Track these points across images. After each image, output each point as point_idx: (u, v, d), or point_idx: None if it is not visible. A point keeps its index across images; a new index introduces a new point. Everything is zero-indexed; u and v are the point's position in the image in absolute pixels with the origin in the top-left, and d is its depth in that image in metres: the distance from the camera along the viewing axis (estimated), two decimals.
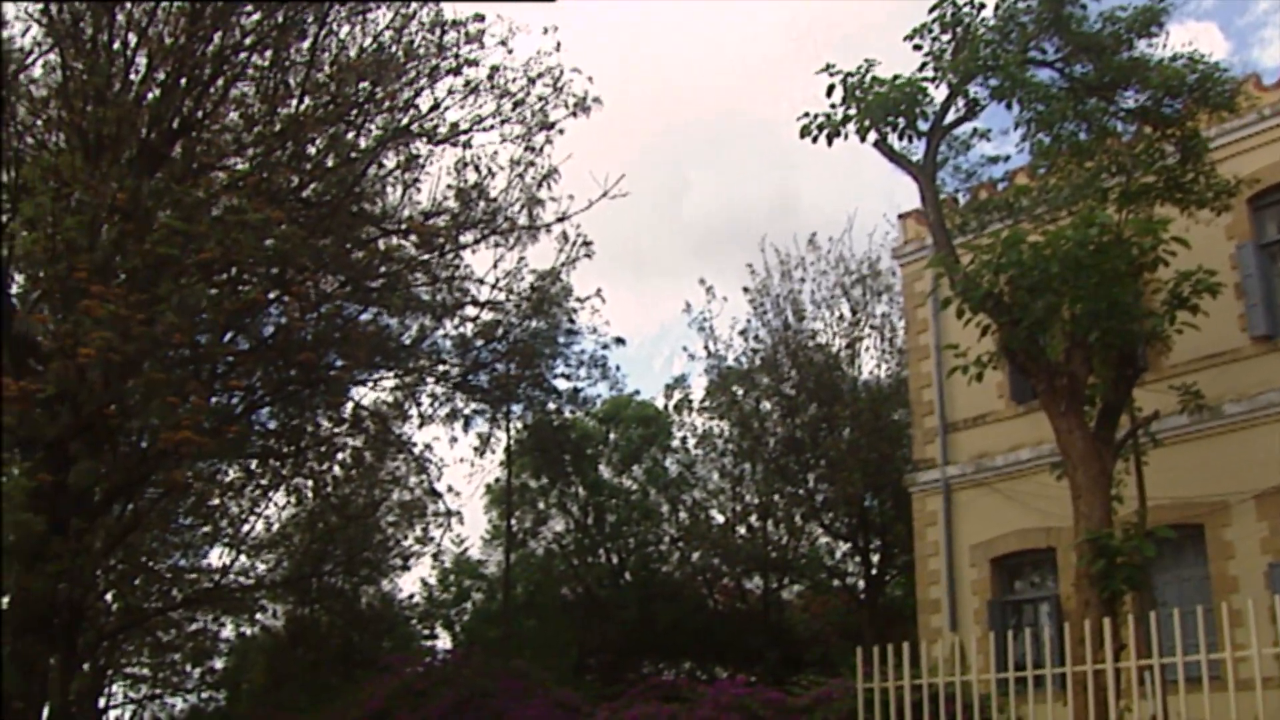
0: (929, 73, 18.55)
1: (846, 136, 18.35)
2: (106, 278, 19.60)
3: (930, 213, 18.96)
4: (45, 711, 23.07)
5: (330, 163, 23.14)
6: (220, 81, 22.59)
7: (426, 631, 45.86)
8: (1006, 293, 16.68)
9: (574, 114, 24.43)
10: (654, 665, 41.59)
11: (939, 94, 18.64)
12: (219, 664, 49.75)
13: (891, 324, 35.41)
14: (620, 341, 29.85)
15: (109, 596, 38.98)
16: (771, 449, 36.25)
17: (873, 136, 18.46)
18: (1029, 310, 16.25)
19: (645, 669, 40.40)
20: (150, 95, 22.37)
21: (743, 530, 38.95)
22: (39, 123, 23.60)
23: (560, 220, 25.26)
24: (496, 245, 25.47)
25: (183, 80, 22.09)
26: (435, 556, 42.57)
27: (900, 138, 18.64)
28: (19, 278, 24.14)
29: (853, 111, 18.27)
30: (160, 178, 20.97)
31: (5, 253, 22.64)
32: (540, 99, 24.31)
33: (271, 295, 21.98)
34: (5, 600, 22.20)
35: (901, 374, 32.91)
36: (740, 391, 36.73)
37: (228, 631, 47.73)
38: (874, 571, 35.91)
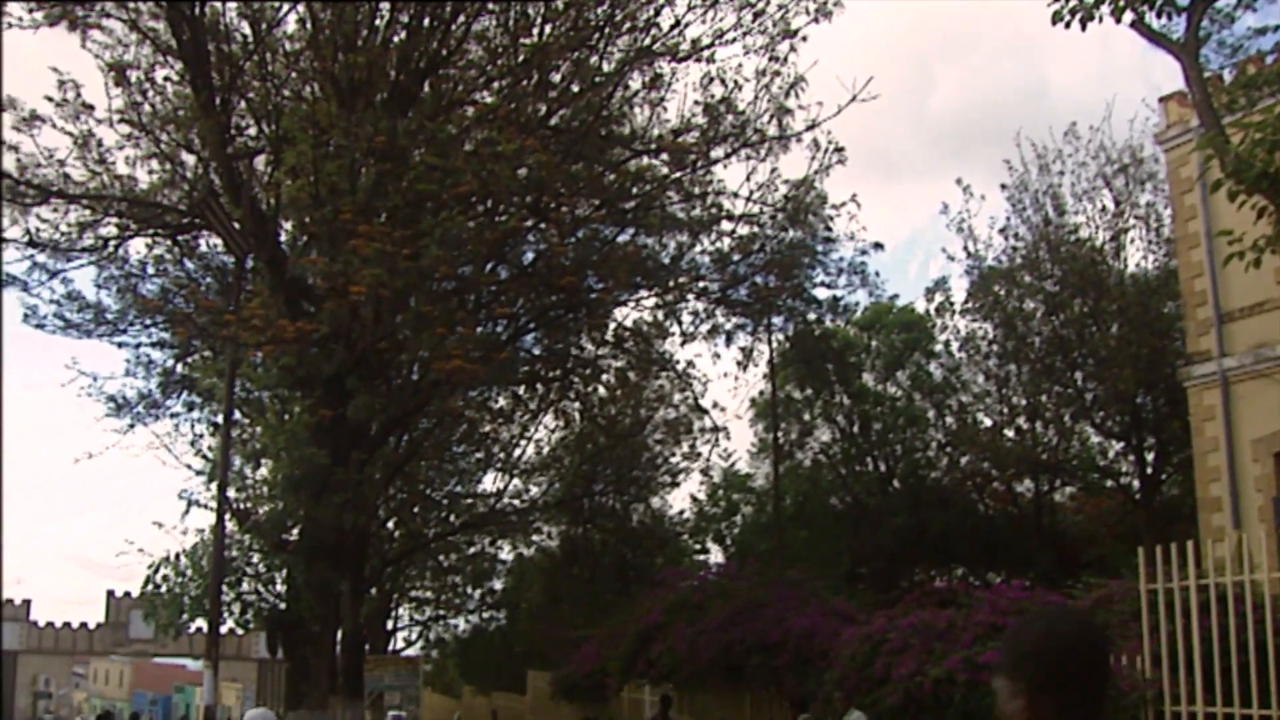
0: None
1: (1100, 19, 17.58)
2: (369, 217, 20.18)
3: (1195, 93, 18.04)
4: (339, 634, 24.11)
5: (576, 88, 23.29)
6: (462, 18, 22.92)
7: (698, 546, 46.41)
8: None
9: (815, 19, 23.95)
10: (925, 572, 41.21)
11: None
12: (498, 585, 51.24)
13: (1157, 213, 34.01)
14: (879, 246, 29.25)
15: (391, 524, 40.49)
16: (1037, 348, 35.38)
17: (1129, 17, 17.61)
18: None
19: (917, 576, 40.11)
20: (396, 38, 22.85)
21: (1011, 433, 38.19)
22: (294, 75, 24.35)
23: (810, 128, 24.82)
24: (748, 158, 25.22)
25: (426, 20, 22.49)
26: (703, 472, 43.01)
27: (1158, 15, 17.74)
28: (287, 224, 25.03)
29: None
30: (413, 117, 21.43)
31: (273, 202, 23.55)
32: (781, 7, 23.86)
33: (529, 223, 22.34)
34: (296, 530, 23.29)
35: (1170, 264, 31.62)
36: (1002, 291, 35.84)
37: (505, 553, 49.11)
38: (1149, 470, 34.84)
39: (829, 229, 27.90)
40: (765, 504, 42.65)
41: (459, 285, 21.67)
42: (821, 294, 29.63)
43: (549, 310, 25.04)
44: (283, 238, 24.82)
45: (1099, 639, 3.57)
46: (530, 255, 24.64)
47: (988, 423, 39.25)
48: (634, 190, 24.28)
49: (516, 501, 43.00)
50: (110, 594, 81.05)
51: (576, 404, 34.66)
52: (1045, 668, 3.44)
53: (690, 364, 33.62)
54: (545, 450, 42.30)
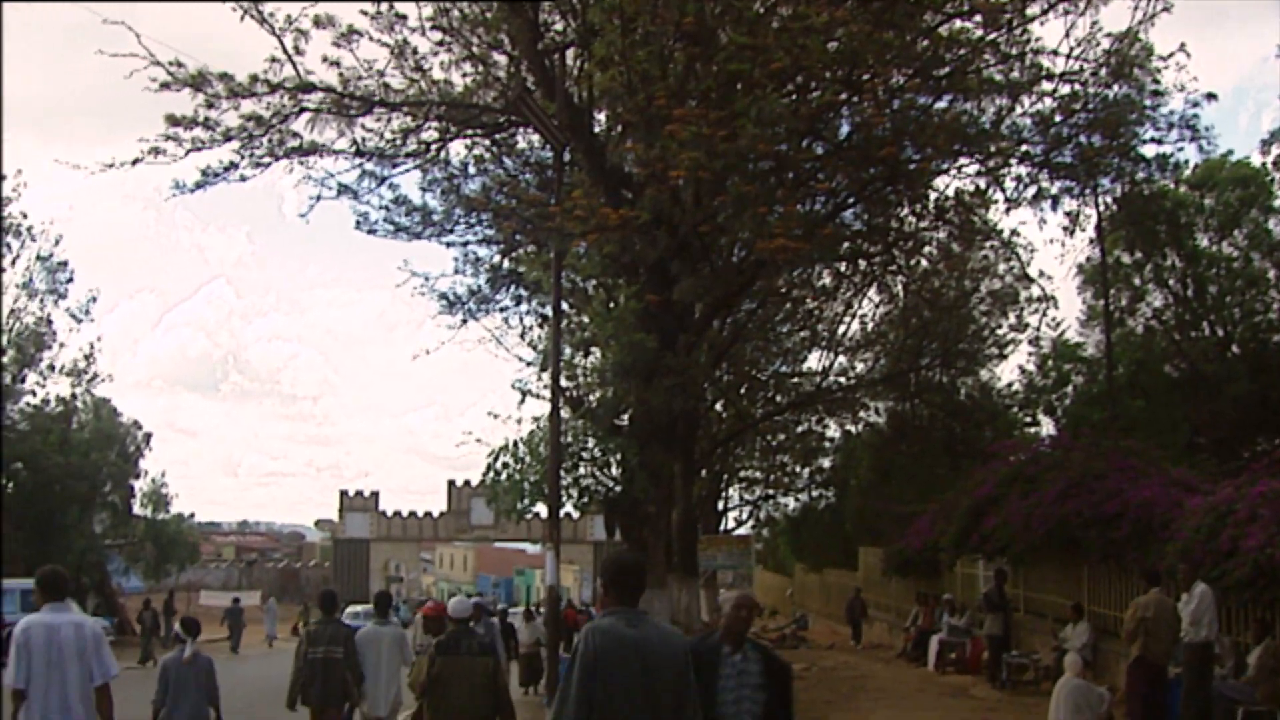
0: None
1: None
2: (682, 102, 20.18)
3: None
4: (674, 514, 24.56)
5: None
6: None
7: (1028, 418, 45.50)
8: None
9: None
10: (1270, 440, 39.47)
11: None
12: (826, 462, 51.51)
13: None
14: (1211, 97, 27.48)
15: (718, 406, 41.02)
16: None
17: None
18: None
19: (1260, 445, 38.45)
20: None
21: None
22: None
23: None
24: (1066, 13, 24.13)
25: None
26: (1032, 342, 42.18)
27: None
28: (601, 115, 25.30)
29: None
30: None
31: (586, 94, 23.80)
32: None
33: (843, 96, 21.96)
34: (628, 415, 23.77)
35: None
36: None
37: (832, 431, 49.30)
38: None
39: (1156, 82, 26.53)
40: (1097, 373, 41.37)
41: (777, 163, 21.48)
42: (1150, 152, 28.26)
43: (868, 184, 24.66)
44: (597, 128, 25.08)
45: (636, 561, 7.22)
46: (846, 129, 24.28)
47: None
48: (948, 56, 23.55)
49: (842, 379, 43.15)
50: (451, 483, 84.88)
51: (900, 278, 34.33)
52: (609, 575, 6.93)
53: (1014, 232, 32.80)
54: (870, 326, 42.22)
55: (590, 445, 23.44)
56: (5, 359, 48.82)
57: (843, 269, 33.03)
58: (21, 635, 9.52)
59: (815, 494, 53.72)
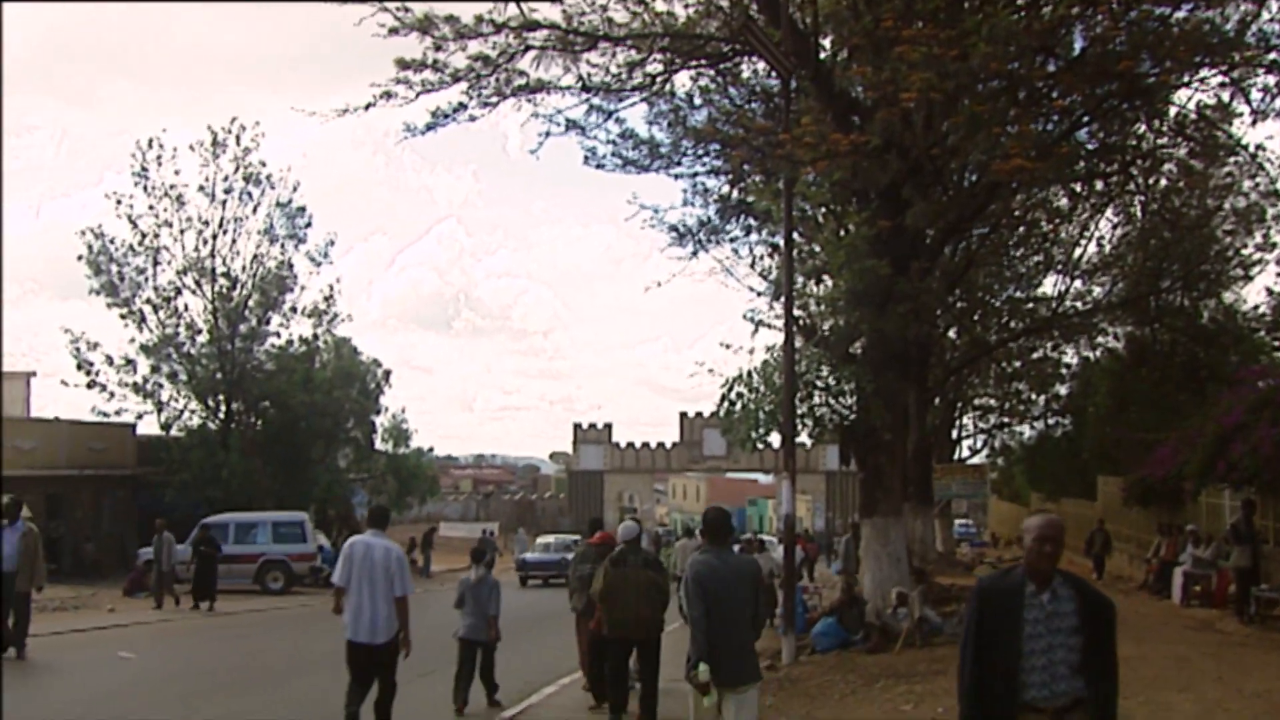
0: None
1: None
2: (910, 22, 19.82)
3: None
4: (909, 443, 24.38)
5: None
6: None
7: (1276, 342, 43.97)
8: None
9: None
10: None
11: None
12: (1062, 390, 50.62)
13: None
14: None
15: (952, 333, 40.54)
16: None
17: None
18: None
19: None
20: None
21: None
22: None
23: None
24: None
25: None
26: None
27: None
28: (826, 40, 25.00)
29: None
30: None
31: (810, 20, 23.54)
32: None
33: (1075, 10, 21.30)
34: (860, 343, 23.62)
35: None
36: None
37: (1069, 357, 48.40)
38: None
39: None
40: None
41: (1009, 82, 20.98)
42: None
43: (1104, 100, 23.88)
44: (823, 53, 24.80)
45: (722, 515, 10.83)
46: (1080, 44, 23.54)
47: None
48: None
49: (1079, 303, 42.27)
50: (683, 415, 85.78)
51: (1138, 198, 33.41)
52: (705, 525, 10.91)
53: (1261, 146, 31.41)
54: (1107, 248, 41.24)
55: (824, 374, 23.37)
56: (251, 303, 51.02)
57: (1078, 190, 32.18)
58: (347, 548, 13.22)
59: (1052, 422, 52.94)
